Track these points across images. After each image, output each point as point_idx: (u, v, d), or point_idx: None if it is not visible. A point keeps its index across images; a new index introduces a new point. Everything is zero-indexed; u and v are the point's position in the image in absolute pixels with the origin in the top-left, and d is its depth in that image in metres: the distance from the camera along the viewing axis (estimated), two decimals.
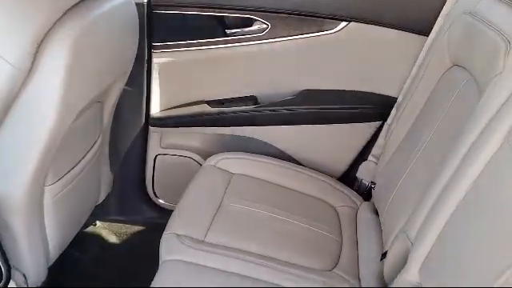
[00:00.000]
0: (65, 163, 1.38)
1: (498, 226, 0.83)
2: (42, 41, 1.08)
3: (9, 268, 1.21)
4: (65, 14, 1.12)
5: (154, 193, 2.03)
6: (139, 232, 2.07)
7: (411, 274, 1.09)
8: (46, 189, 1.32)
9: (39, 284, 1.40)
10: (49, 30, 1.09)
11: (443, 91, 1.36)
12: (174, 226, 1.39)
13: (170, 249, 1.32)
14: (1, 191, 1.20)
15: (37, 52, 1.08)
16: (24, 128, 1.16)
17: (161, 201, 2.05)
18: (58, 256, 1.50)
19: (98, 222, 2.05)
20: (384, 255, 1.30)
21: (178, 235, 1.36)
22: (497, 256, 0.78)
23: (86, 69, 1.23)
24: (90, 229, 2.03)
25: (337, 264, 1.39)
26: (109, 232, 2.05)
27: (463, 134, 1.07)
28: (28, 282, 1.34)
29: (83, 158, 1.50)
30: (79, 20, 1.14)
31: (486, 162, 0.95)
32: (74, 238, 1.63)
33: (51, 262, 1.47)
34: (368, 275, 1.34)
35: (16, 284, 1.27)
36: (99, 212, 1.91)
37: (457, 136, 1.11)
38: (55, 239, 1.43)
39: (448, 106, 1.29)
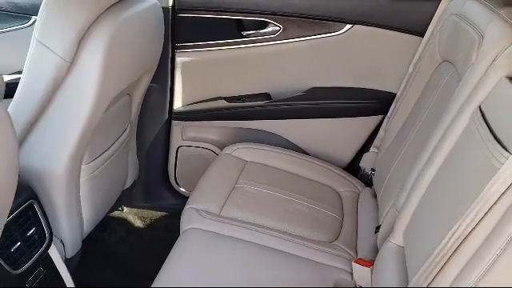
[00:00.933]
0: (99, 146, 1.58)
1: (460, 189, 0.99)
2: (83, 36, 1.29)
3: (51, 233, 1.40)
4: (103, 13, 1.32)
5: (176, 181, 2.22)
6: (162, 217, 2.26)
7: (396, 239, 1.26)
8: (83, 167, 1.52)
9: (75, 253, 1.59)
10: (89, 27, 1.29)
11: (433, 84, 1.52)
12: (193, 202, 1.58)
13: (190, 220, 1.50)
14: (46, 168, 1.40)
15: (79, 46, 1.29)
16: (66, 112, 1.36)
17: (182, 189, 2.23)
18: (90, 231, 1.69)
19: (124, 208, 2.25)
20: (378, 228, 1.47)
21: (196, 209, 1.55)
22: (455, 211, 0.94)
23: (118, 62, 1.42)
24: (118, 214, 2.23)
25: (337, 237, 1.55)
26: (134, 217, 2.24)
27: (442, 118, 1.24)
28: (65, 250, 1.53)
29: (114, 143, 1.70)
30: (114, 19, 1.34)
31: (456, 140, 1.12)
32: (103, 221, 1.82)
33: (85, 236, 1.66)
34: (364, 247, 1.50)
35: (56, 250, 1.46)
36: (126, 199, 2.10)
37: (438, 120, 1.27)
38: (88, 214, 1.62)
39: (435, 97, 1.45)
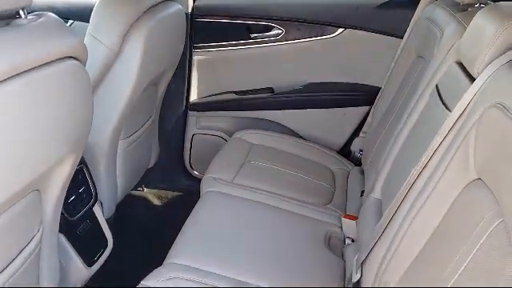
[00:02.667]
0: (132, 126, 1.91)
1: (420, 146, 1.31)
2: (127, 31, 1.62)
3: (96, 194, 1.72)
4: (142, 14, 1.65)
5: (190, 165, 2.54)
6: (177, 197, 2.57)
7: (376, 193, 1.58)
8: (120, 142, 1.85)
9: (110, 215, 1.90)
10: (132, 24, 1.62)
11: (409, 76, 1.85)
12: (211, 172, 1.90)
13: (209, 185, 1.82)
14: (93, 139, 1.70)
15: (124, 39, 1.62)
16: (111, 94, 1.68)
17: (195, 172, 2.55)
18: (122, 198, 2.01)
19: (144, 188, 2.56)
20: (362, 192, 1.79)
21: (214, 178, 1.87)
22: (416, 163, 1.25)
23: (151, 54, 1.75)
24: (139, 193, 2.54)
25: (330, 202, 1.87)
26: (153, 196, 2.56)
27: (411, 98, 1.57)
28: (103, 210, 1.85)
29: (142, 126, 2.02)
30: (151, 19, 1.68)
31: (420, 112, 1.45)
32: (126, 199, 2.12)
33: (118, 202, 1.98)
34: (351, 207, 1.82)
35: (99, 208, 1.77)
36: (146, 180, 2.42)
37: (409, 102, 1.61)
38: (121, 183, 1.94)
39: (409, 86, 1.78)
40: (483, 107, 0.99)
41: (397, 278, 1.14)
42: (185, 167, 2.55)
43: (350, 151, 2.31)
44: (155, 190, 2.58)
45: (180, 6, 1.99)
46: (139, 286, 1.30)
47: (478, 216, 0.88)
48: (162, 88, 2.14)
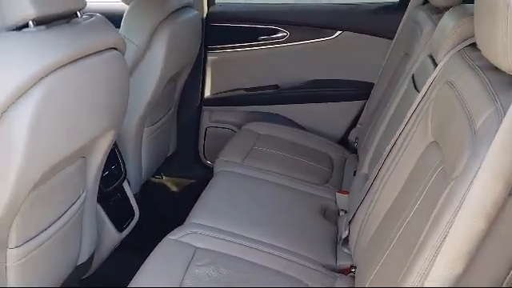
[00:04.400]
0: (155, 116, 2.20)
1: (398, 124, 1.57)
2: (153, 33, 1.91)
3: (125, 171, 2.00)
4: (166, 18, 1.95)
5: (204, 156, 2.82)
6: (192, 184, 2.84)
7: (364, 168, 1.85)
8: (145, 129, 2.13)
9: (136, 192, 2.18)
10: (157, 26, 1.91)
11: (398, 72, 2.12)
12: (223, 156, 2.18)
13: (221, 166, 2.10)
14: (123, 126, 1.98)
15: (151, 38, 1.91)
16: (138, 86, 1.97)
17: (208, 162, 2.82)
18: (146, 179, 2.29)
19: (163, 176, 2.84)
20: (355, 172, 2.06)
21: (225, 160, 2.14)
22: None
23: (173, 53, 2.04)
24: (158, 180, 2.82)
25: (328, 182, 2.13)
26: (171, 183, 2.84)
27: (395, 90, 1.84)
28: (131, 187, 2.12)
29: (164, 116, 2.31)
30: (173, 22, 1.98)
31: (399, 99, 1.72)
32: (148, 185, 2.39)
33: (143, 182, 2.26)
34: (345, 185, 2.09)
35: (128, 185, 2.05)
36: (165, 169, 2.70)
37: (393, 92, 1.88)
38: (145, 166, 2.23)
39: (396, 79, 2.04)
40: (439, 85, 1.26)
41: (372, 231, 1.40)
42: (199, 157, 2.82)
43: (348, 141, 2.57)
44: (173, 178, 2.86)
45: (197, 12, 2.29)
46: (164, 239, 1.57)
47: (430, 168, 1.14)
48: (180, 84, 2.42)
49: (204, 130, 2.77)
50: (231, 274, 1.44)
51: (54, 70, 1.12)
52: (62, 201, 1.44)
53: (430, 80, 1.35)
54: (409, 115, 1.42)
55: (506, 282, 0.83)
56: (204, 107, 2.72)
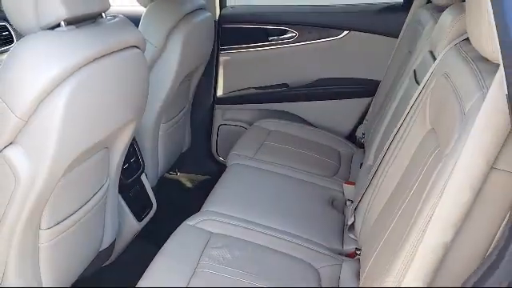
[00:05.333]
0: (171, 113, 2.31)
1: (399, 119, 1.67)
2: (169, 33, 2.03)
3: (143, 164, 2.11)
4: (181, 19, 2.07)
5: (217, 152, 2.93)
6: (206, 180, 2.95)
7: (369, 160, 1.94)
8: (161, 126, 2.25)
9: (153, 185, 2.29)
10: (173, 27, 2.03)
11: (400, 69, 2.22)
12: (236, 150, 2.29)
13: (233, 159, 2.21)
14: (143, 121, 2.11)
15: (167, 39, 2.03)
16: (155, 84, 2.08)
17: (221, 158, 2.93)
18: (162, 174, 2.41)
19: (178, 172, 2.96)
20: (361, 164, 2.15)
21: (238, 154, 2.25)
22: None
23: (188, 53, 2.16)
24: (173, 176, 2.94)
25: (335, 174, 2.23)
26: (185, 179, 2.95)
27: (400, 82, 1.94)
28: (148, 179, 2.24)
29: (178, 113, 2.43)
30: (188, 23, 2.10)
31: (403, 92, 1.81)
32: (163, 181, 2.50)
33: (159, 176, 2.38)
34: (352, 178, 2.18)
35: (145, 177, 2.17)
36: (179, 165, 2.82)
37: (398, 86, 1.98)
38: (161, 160, 2.34)
39: (400, 76, 2.14)
40: (436, 77, 1.36)
41: (376, 214, 1.50)
42: (212, 154, 2.94)
43: (355, 136, 2.67)
44: (187, 174, 2.98)
45: (210, 14, 2.41)
46: (182, 224, 1.68)
47: (427, 153, 1.24)
48: (194, 83, 2.54)
49: (217, 128, 2.88)
50: (243, 256, 1.55)
51: (84, 66, 1.24)
52: (88, 188, 1.56)
53: (428, 73, 1.45)
54: (409, 107, 1.52)
55: (489, 251, 0.92)
56: (216, 105, 2.83)
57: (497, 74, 0.85)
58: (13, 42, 2.88)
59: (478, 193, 0.90)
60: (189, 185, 2.94)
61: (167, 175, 2.87)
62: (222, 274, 1.46)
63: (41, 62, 1.15)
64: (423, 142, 1.35)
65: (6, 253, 1.29)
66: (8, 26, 2.90)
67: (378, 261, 1.22)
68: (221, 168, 2.77)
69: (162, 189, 2.62)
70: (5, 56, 2.84)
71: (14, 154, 1.19)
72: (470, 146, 0.87)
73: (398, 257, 1.01)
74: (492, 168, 0.88)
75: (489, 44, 0.94)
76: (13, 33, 2.91)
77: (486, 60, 1.09)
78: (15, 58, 1.16)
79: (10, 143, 1.19)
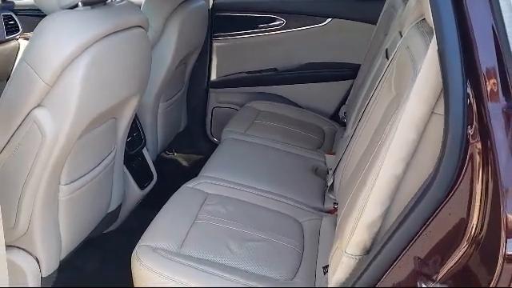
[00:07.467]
0: (169, 93, 2.53)
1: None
2: (167, 19, 2.25)
3: (145, 139, 2.33)
4: (177, 6, 2.28)
5: (211, 133, 3.15)
6: (201, 159, 3.16)
7: (348, 131, 2.17)
8: (160, 104, 2.47)
9: (153, 159, 2.50)
10: (170, 14, 2.25)
11: (377, 51, 2.44)
12: (228, 127, 2.51)
13: (226, 135, 2.43)
14: (142, 100, 2.32)
15: (164, 25, 2.24)
16: (155, 65, 2.26)
17: (215, 139, 3.15)
18: (162, 151, 2.62)
19: (175, 153, 3.17)
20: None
21: (230, 130, 2.47)
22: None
23: (184, 37, 2.37)
24: (170, 156, 3.16)
25: (319, 148, 2.46)
26: (182, 159, 3.17)
27: (375, 60, 2.17)
28: (150, 154, 2.45)
29: (176, 94, 2.65)
30: (183, 11, 2.32)
31: (376, 69, 2.04)
32: (161, 160, 2.71)
33: (159, 151, 2.59)
34: (335, 151, 2.41)
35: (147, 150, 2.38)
36: (176, 146, 3.03)
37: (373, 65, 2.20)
38: (160, 136, 2.56)
39: (376, 57, 2.37)
40: (401, 51, 1.59)
41: (350, 172, 1.72)
42: (207, 135, 3.16)
43: (339, 116, 2.89)
44: (183, 154, 3.19)
45: (204, 2, 2.63)
46: (182, 187, 1.90)
47: (391, 113, 1.46)
48: (189, 67, 2.76)
49: (211, 110, 3.10)
50: (236, 211, 1.77)
51: (98, 40, 1.45)
52: (99, 153, 1.78)
53: (395, 49, 1.68)
54: (379, 80, 1.75)
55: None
56: (210, 89, 3.05)
57: (434, 36, 1.07)
58: (18, 30, 3.10)
59: (422, 134, 1.12)
60: (185, 163, 3.15)
61: (165, 155, 3.09)
62: (218, 224, 1.68)
63: (64, 36, 1.37)
64: (389, 106, 1.57)
65: (32, 202, 1.51)
66: (14, 15, 3.12)
67: (350, 204, 1.45)
68: (215, 148, 2.97)
69: (161, 166, 2.84)
70: (13, 43, 3.05)
71: (41, 115, 1.40)
72: (414, 93, 1.10)
73: (361, 190, 1.23)
74: (433, 113, 1.11)
75: (429, 16, 1.17)
76: (18, 22, 3.12)
77: None
78: (42, 33, 1.37)
79: (38, 105, 1.41)
